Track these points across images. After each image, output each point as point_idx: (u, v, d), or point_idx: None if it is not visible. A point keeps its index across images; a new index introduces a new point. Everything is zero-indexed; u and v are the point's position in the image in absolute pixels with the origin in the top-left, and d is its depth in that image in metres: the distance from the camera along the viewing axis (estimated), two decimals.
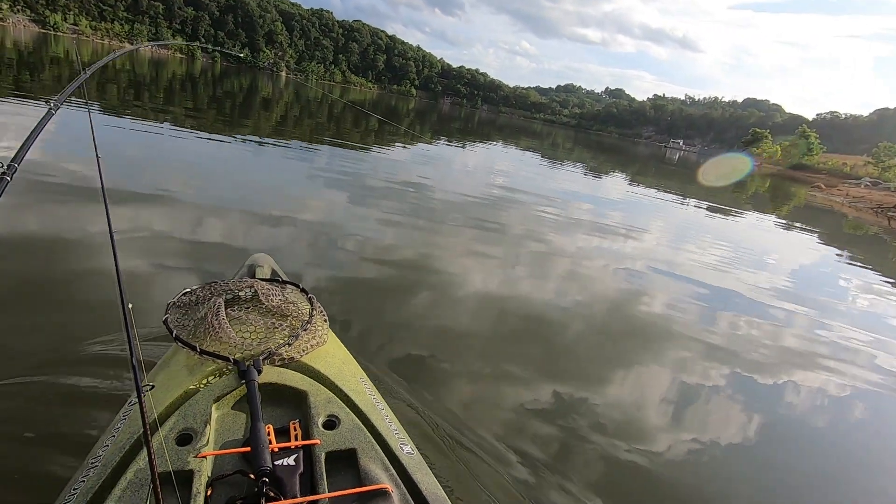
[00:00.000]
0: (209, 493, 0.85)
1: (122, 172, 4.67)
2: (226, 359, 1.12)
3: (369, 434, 1.01)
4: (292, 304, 1.36)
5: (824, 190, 26.24)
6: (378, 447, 0.98)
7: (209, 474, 0.88)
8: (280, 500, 0.83)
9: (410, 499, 0.89)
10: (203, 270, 2.92)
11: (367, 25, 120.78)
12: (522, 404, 2.19)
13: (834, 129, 74.77)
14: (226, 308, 1.29)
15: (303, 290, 1.46)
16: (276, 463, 0.89)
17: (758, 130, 67.49)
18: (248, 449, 0.91)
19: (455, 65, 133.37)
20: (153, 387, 1.01)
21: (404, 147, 12.24)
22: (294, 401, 1.08)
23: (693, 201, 13.14)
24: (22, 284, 2.46)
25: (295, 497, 0.85)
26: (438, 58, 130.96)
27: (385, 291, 3.20)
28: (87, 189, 3.87)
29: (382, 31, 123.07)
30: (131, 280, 2.50)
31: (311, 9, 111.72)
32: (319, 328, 1.30)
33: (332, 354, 1.28)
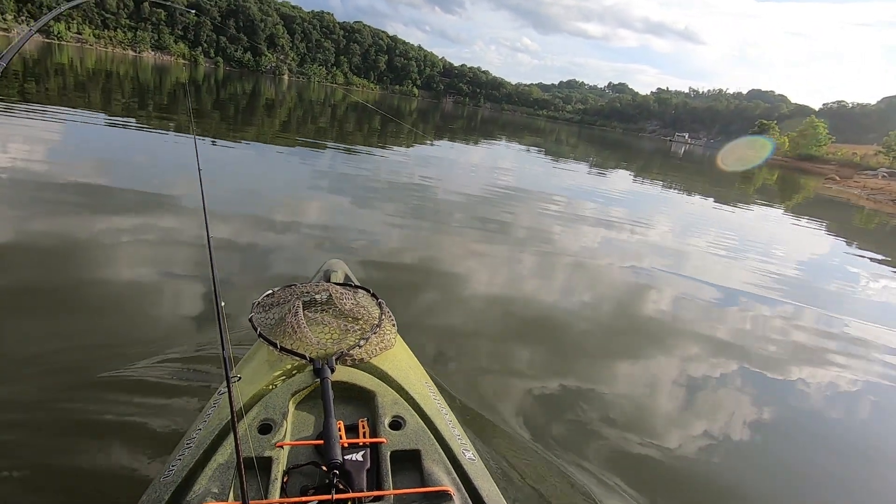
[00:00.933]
0: (286, 480, 0.91)
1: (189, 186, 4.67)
2: (302, 357, 1.20)
3: (433, 437, 1.03)
4: (363, 308, 1.43)
5: (839, 182, 25.11)
6: (441, 450, 1.00)
7: (286, 463, 0.94)
8: (348, 492, 0.87)
9: (471, 503, 0.91)
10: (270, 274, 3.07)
11: (368, 26, 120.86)
12: (581, 414, 2.17)
13: (841, 119, 73.87)
14: (303, 310, 1.38)
15: (373, 295, 1.53)
16: (345, 457, 0.93)
17: (765, 122, 66.90)
18: (321, 442, 0.96)
19: (457, 63, 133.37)
20: (240, 378, 1.13)
21: (408, 147, 12.22)
22: (363, 400, 1.13)
23: (699, 196, 13.02)
24: (121, 288, 2.69)
25: (362, 491, 0.89)
26: (440, 57, 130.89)
27: (407, 289, 3.18)
28: (186, 200, 3.89)
29: (383, 32, 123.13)
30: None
31: (312, 11, 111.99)
32: (388, 332, 1.36)
33: (399, 358, 1.34)
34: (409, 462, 0.98)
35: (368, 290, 1.56)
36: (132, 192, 4.40)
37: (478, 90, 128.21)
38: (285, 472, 0.93)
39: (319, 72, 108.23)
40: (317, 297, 1.47)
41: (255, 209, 4.54)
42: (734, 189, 17.09)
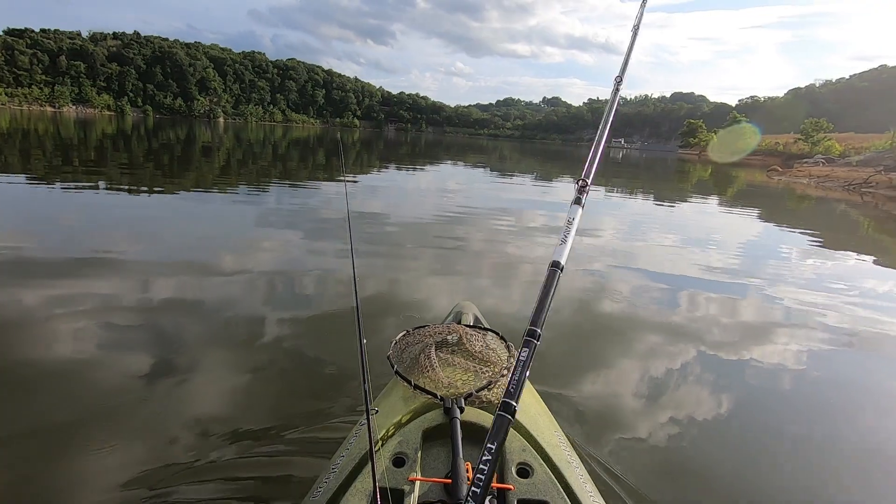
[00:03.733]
0: None
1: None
2: (434, 395, 1.23)
3: (562, 490, 1.00)
4: (493, 350, 1.47)
5: (783, 172, 25.55)
6: None
7: (417, 498, 0.96)
8: None
9: None
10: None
11: (302, 62, 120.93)
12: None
13: (756, 112, 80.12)
14: (436, 350, 1.44)
15: (502, 338, 1.56)
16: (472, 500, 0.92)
17: (692, 121, 71.50)
18: (450, 481, 0.96)
19: (395, 92, 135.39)
20: (377, 411, 1.20)
21: (353, 178, 12.12)
22: None
23: (642, 196, 13.61)
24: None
25: None
26: (377, 86, 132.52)
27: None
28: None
29: (318, 66, 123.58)
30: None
31: (243, 52, 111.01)
32: None
33: (528, 404, 1.33)
34: None
35: (497, 333, 1.59)
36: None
37: (419, 116, 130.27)
38: None
39: (256, 112, 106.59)
40: (448, 338, 1.52)
41: (199, 255, 4.30)
42: (678, 187, 18.00)
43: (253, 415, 2.07)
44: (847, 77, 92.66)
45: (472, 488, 0.93)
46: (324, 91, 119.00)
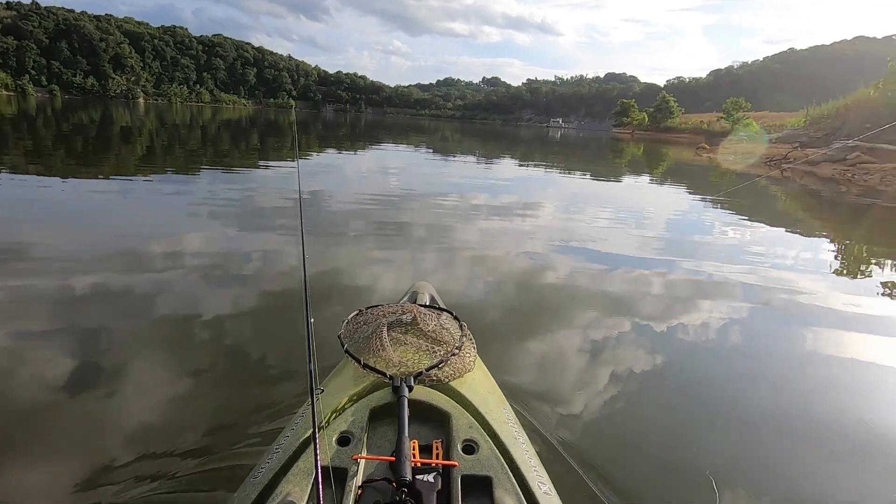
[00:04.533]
0: (360, 493, 0.94)
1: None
2: (383, 374, 1.23)
3: (506, 465, 1.02)
4: (446, 330, 1.48)
5: (710, 149, 26.57)
6: (514, 480, 0.99)
7: (362, 476, 0.97)
8: None
9: None
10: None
11: (230, 39, 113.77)
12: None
13: (682, 92, 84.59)
14: (388, 329, 1.44)
15: (456, 318, 1.57)
16: (417, 477, 0.94)
17: (625, 101, 74.34)
18: (394, 459, 0.97)
19: (332, 71, 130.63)
20: (323, 391, 1.19)
21: (293, 162, 11.66)
22: (439, 421, 1.14)
23: (580, 174, 14.07)
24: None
25: None
26: (313, 65, 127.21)
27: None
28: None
29: (247, 44, 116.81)
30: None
31: (162, 26, 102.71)
32: (468, 355, 1.38)
33: (478, 382, 1.35)
34: (480, 489, 0.97)
35: (451, 313, 1.60)
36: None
37: (357, 96, 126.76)
38: (360, 486, 0.95)
39: (181, 92, 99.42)
40: (403, 317, 1.51)
41: (125, 248, 3.99)
42: (613, 164, 18.74)
43: (196, 413, 1.98)
44: (761, 59, 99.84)
45: (417, 466, 0.98)
46: (255, 70, 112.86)
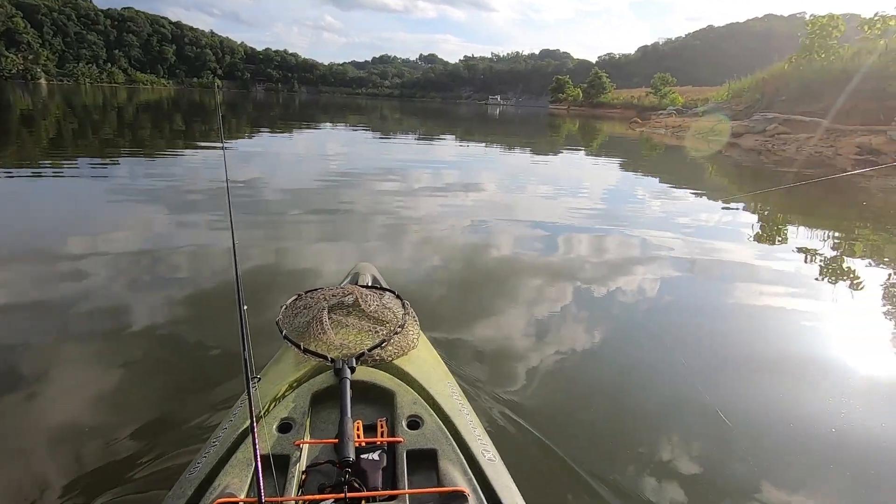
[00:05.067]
0: (304, 478, 0.93)
1: None
2: (324, 357, 1.22)
3: (451, 437, 1.04)
4: (388, 309, 1.47)
5: (642, 123, 27.70)
6: (458, 450, 1.01)
7: (305, 462, 0.96)
8: (362, 491, 0.88)
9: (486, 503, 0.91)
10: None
11: (142, 13, 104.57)
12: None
13: (613, 68, 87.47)
14: (329, 312, 1.42)
15: (398, 297, 1.57)
16: (361, 456, 0.94)
17: (560, 78, 75.91)
18: (337, 441, 0.97)
19: (259, 48, 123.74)
20: (259, 379, 1.18)
21: (222, 145, 11.03)
22: (383, 400, 1.15)
23: (519, 150, 14.32)
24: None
25: (377, 489, 0.90)
26: (239, 42, 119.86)
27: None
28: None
29: (163, 18, 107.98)
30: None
31: None
32: (411, 332, 1.39)
33: (422, 358, 1.36)
34: (425, 462, 0.99)
35: (394, 292, 1.60)
36: None
37: (289, 74, 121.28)
38: (304, 471, 0.94)
39: (89, 71, 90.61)
40: (344, 299, 1.50)
41: (38, 242, 3.63)
42: (551, 140, 19.17)
43: (129, 412, 1.87)
44: (683, 36, 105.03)
45: (362, 445, 0.98)
46: (174, 47, 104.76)
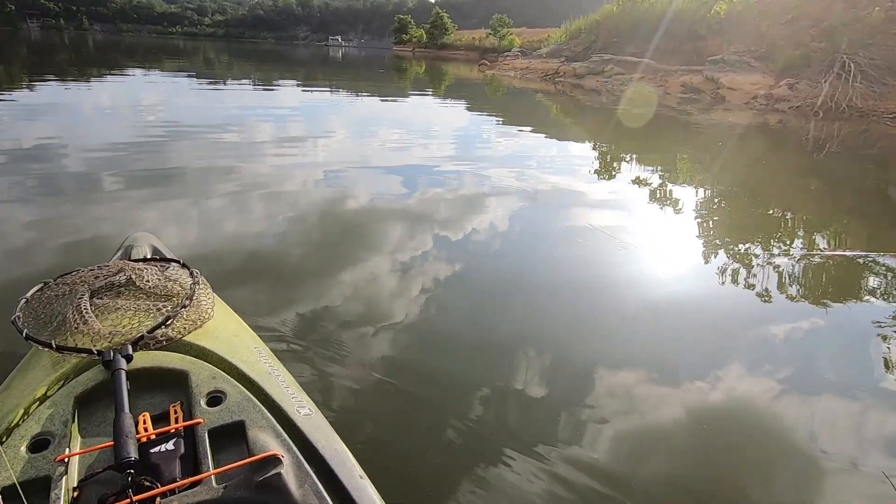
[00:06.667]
0: (76, 495, 0.82)
1: None
2: (88, 351, 1.05)
3: (259, 403, 0.98)
4: (174, 282, 1.30)
5: (491, 66, 28.25)
6: (269, 415, 0.96)
7: (76, 477, 0.84)
8: (154, 488, 0.80)
9: (304, 460, 0.87)
10: None
11: None
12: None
13: (451, 9, 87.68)
14: (92, 297, 1.22)
15: (184, 266, 1.41)
16: (151, 451, 0.86)
17: (401, 17, 73.79)
18: (112, 444, 0.85)
19: None
20: None
21: None
22: (174, 383, 1.04)
23: (367, 95, 13.85)
24: None
25: (174, 481, 0.82)
26: None
27: None
28: None
29: None
30: None
31: None
32: (204, 303, 1.26)
33: (221, 328, 1.25)
34: (233, 436, 0.92)
35: (179, 262, 1.43)
36: None
37: (75, 8, 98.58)
38: (76, 487, 0.82)
39: None
40: (114, 279, 1.28)
41: None
42: (399, 84, 18.78)
43: None
44: None
45: (151, 439, 0.89)
46: None
